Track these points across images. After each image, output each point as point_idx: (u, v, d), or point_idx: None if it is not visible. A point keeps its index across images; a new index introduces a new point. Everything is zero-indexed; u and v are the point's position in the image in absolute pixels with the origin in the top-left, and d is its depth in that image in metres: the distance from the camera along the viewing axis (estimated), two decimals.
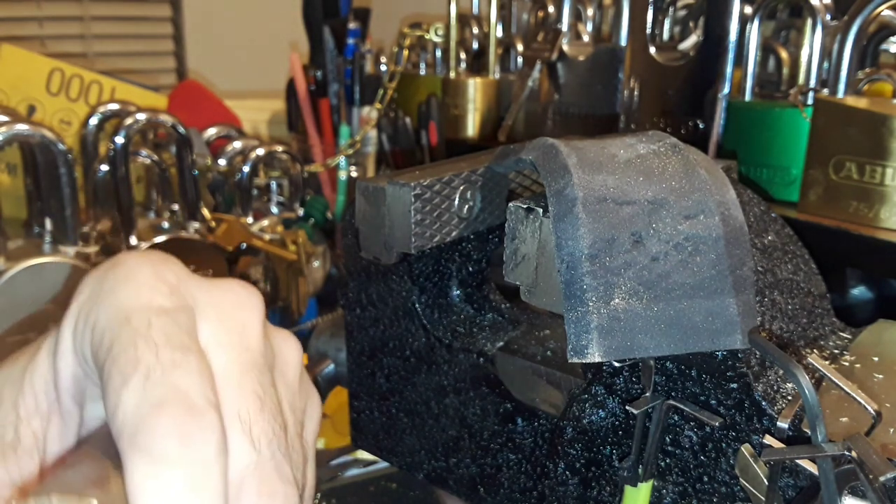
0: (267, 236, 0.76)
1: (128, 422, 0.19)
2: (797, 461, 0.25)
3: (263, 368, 0.24)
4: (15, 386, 0.23)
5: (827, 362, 0.26)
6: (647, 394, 0.29)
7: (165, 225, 0.73)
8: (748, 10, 0.53)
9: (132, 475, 0.19)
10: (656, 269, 0.26)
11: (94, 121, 0.77)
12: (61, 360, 0.23)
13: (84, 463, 0.21)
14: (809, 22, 0.52)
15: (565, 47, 0.71)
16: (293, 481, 0.23)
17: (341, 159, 0.88)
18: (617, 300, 0.26)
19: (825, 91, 0.48)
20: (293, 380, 0.26)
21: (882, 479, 0.22)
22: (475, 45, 0.92)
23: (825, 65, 0.51)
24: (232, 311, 0.24)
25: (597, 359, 0.25)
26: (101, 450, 0.21)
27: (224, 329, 0.23)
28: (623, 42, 0.66)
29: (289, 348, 0.26)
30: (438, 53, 0.93)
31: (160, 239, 0.68)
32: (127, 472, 0.19)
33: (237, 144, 0.83)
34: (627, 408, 0.29)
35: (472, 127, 0.85)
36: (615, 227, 0.26)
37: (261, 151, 0.79)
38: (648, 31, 0.60)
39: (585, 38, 0.77)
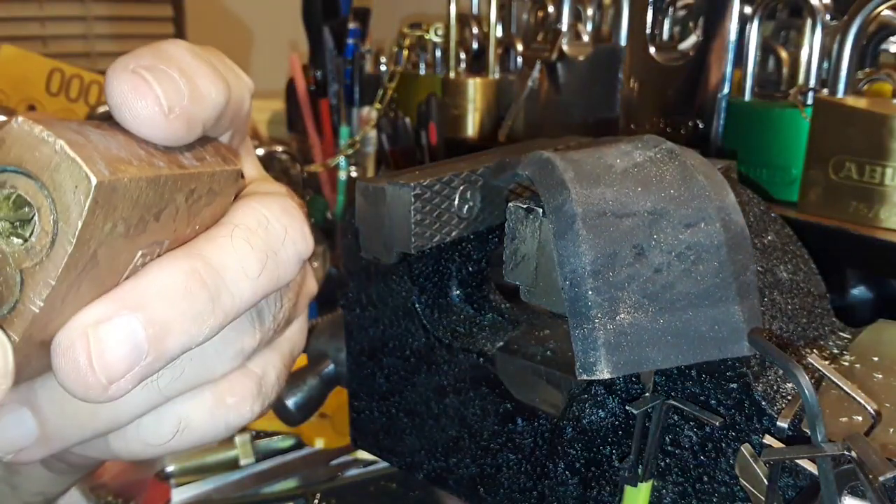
0: None
1: None
2: (797, 461, 0.25)
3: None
4: None
5: (827, 362, 0.26)
6: (647, 394, 0.29)
7: None
8: (748, 10, 0.53)
9: None
10: (660, 281, 0.26)
11: None
12: None
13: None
14: (809, 22, 0.52)
15: (565, 47, 0.71)
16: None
17: (341, 159, 0.88)
18: (622, 314, 0.26)
19: (825, 91, 0.48)
20: None
21: (882, 479, 0.22)
22: (475, 45, 0.91)
23: (825, 65, 0.51)
24: None
25: (606, 375, 0.25)
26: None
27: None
28: (623, 42, 0.66)
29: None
30: (438, 53, 0.93)
31: None
32: None
33: None
34: (627, 408, 0.29)
35: (471, 127, 0.85)
36: (616, 241, 0.26)
37: (260, 151, 0.79)
38: (648, 31, 0.60)
39: (585, 38, 0.77)
